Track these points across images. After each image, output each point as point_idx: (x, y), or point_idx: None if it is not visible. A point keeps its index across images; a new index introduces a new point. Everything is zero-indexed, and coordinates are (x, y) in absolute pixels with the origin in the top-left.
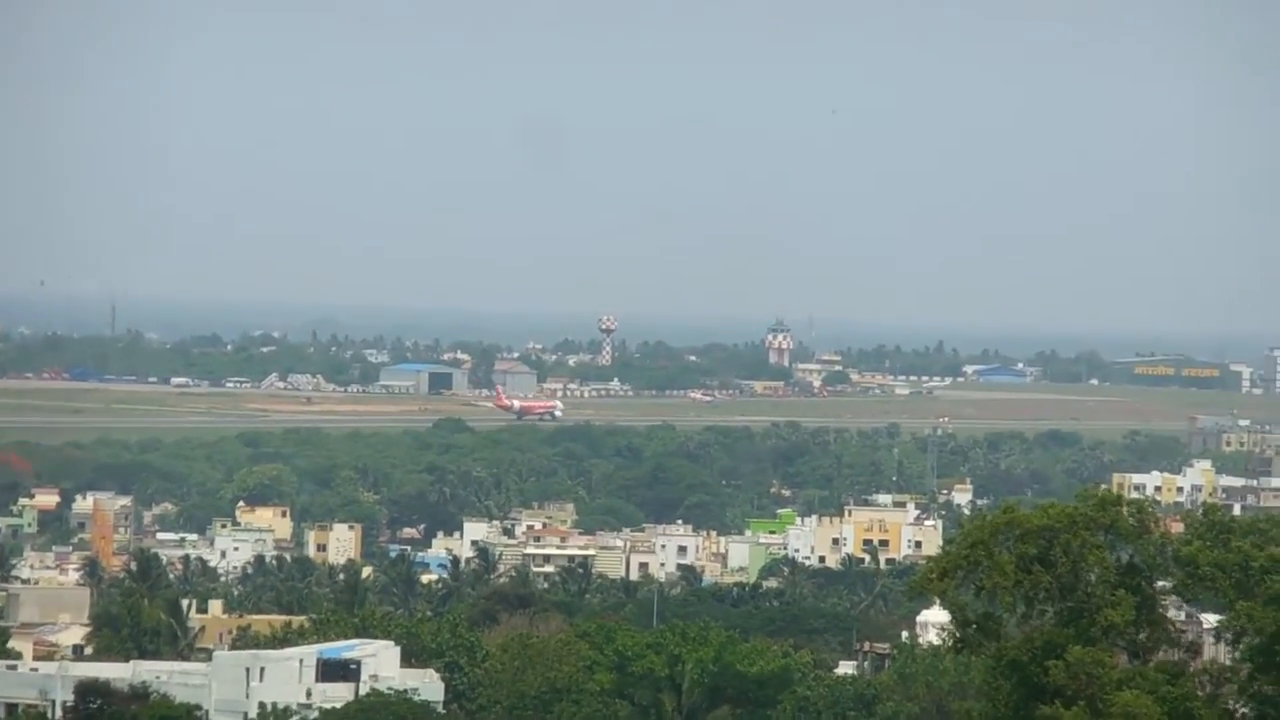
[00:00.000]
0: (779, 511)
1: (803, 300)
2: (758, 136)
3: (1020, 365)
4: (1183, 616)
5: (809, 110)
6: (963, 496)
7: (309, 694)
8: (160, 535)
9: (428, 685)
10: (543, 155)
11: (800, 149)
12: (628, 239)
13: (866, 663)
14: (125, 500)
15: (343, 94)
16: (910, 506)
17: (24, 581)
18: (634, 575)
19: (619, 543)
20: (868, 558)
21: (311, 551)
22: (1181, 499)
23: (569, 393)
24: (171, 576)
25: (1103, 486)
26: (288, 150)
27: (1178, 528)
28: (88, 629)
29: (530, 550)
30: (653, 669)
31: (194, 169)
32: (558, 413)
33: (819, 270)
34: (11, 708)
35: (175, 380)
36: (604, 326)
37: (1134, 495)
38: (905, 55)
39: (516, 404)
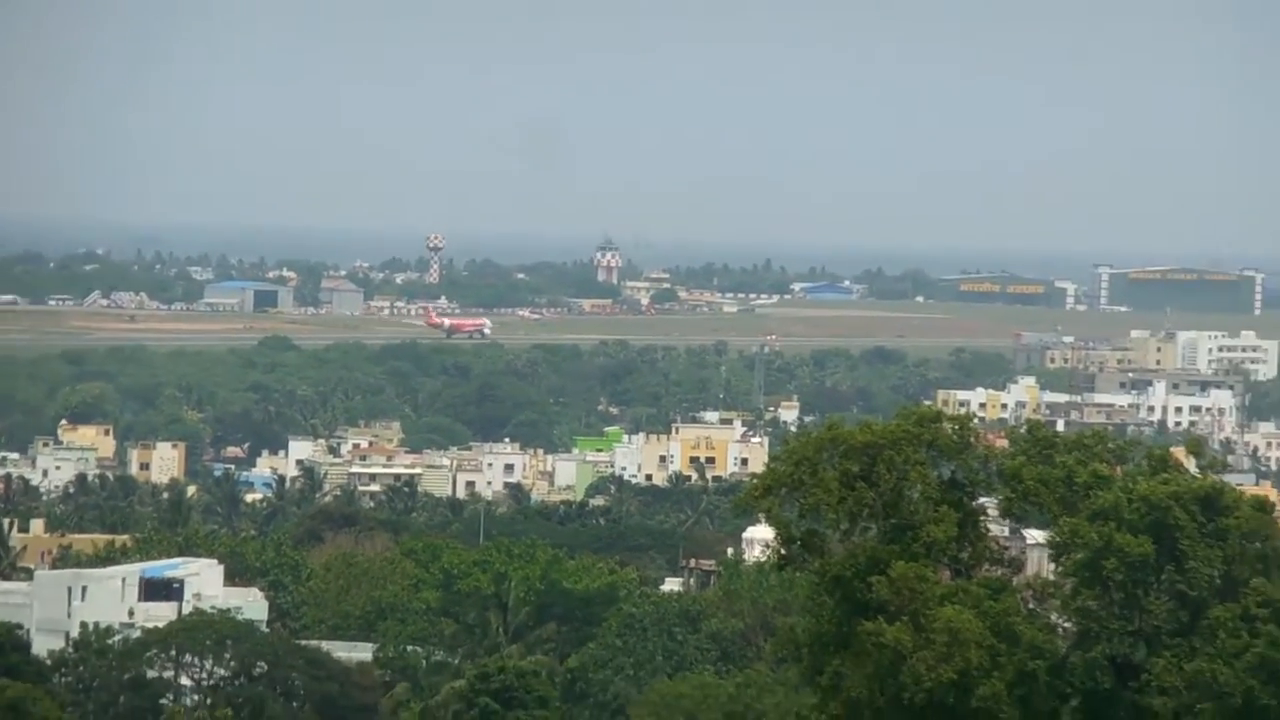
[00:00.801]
0: (606, 429)
1: (631, 218)
2: (593, 50)
3: (847, 283)
4: (1005, 533)
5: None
6: (789, 414)
7: (131, 613)
8: None
9: (251, 604)
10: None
11: (614, 65)
12: (455, 155)
13: (692, 579)
14: None
15: None
16: (737, 424)
17: None
18: (460, 494)
19: (445, 461)
20: (694, 475)
21: (135, 470)
22: (1006, 415)
23: (396, 310)
24: None
25: (926, 403)
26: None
27: (1002, 444)
28: None
29: (356, 469)
30: (479, 587)
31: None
32: (486, 330)
33: (647, 188)
34: None
35: None
36: (432, 245)
37: (959, 412)
38: None
39: (447, 322)
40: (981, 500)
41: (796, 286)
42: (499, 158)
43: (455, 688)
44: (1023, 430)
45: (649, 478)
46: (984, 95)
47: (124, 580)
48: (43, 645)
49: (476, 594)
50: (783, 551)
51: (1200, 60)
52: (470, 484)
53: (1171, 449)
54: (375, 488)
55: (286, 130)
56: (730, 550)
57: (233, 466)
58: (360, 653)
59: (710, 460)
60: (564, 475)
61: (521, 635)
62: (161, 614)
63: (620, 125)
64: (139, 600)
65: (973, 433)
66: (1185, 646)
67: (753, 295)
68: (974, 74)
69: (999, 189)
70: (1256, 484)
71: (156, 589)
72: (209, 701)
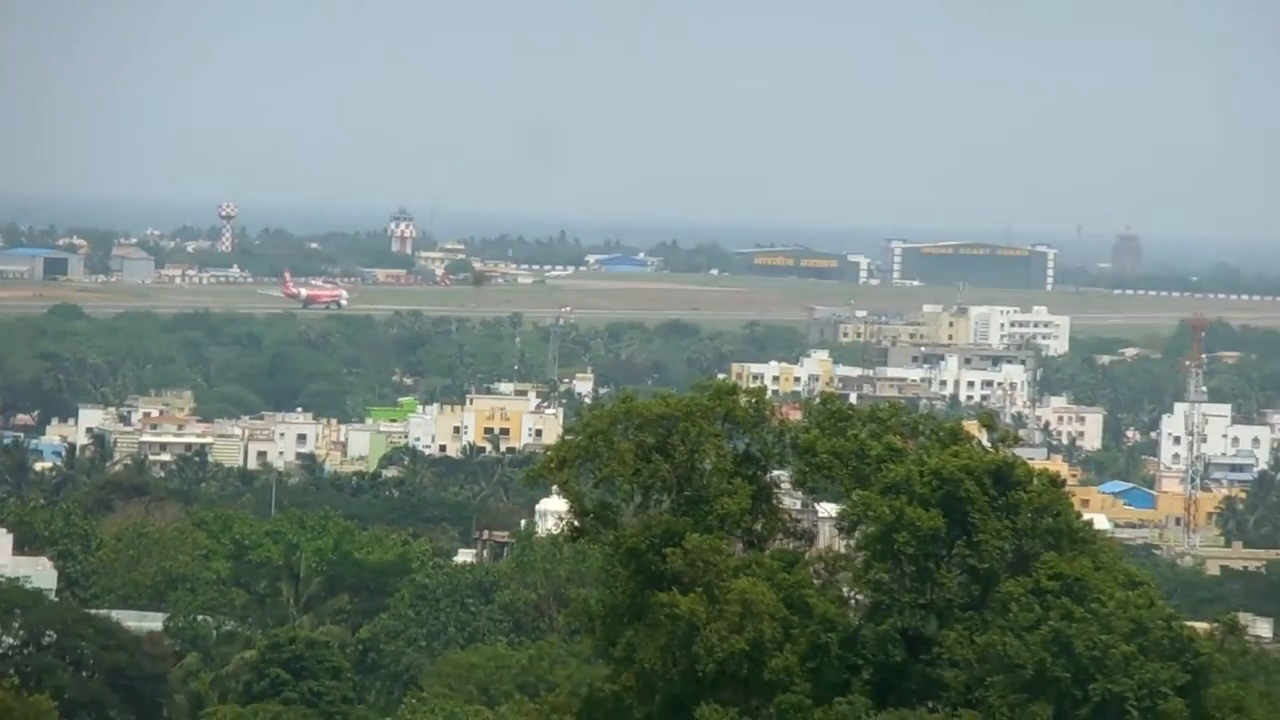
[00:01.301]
0: (400, 400)
1: (427, 188)
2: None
3: (642, 255)
4: (799, 506)
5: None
6: (584, 386)
7: None
8: None
9: (40, 573)
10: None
11: (400, 50)
12: (249, 125)
13: (485, 551)
14: None
15: None
16: (531, 395)
17: None
18: (253, 464)
19: (237, 431)
20: (489, 447)
21: None
22: (799, 389)
23: (188, 279)
24: None
25: (721, 376)
26: None
27: (797, 417)
28: None
29: (147, 438)
30: (270, 557)
31: None
32: (343, 301)
33: (441, 158)
34: None
35: None
36: (224, 214)
37: (753, 385)
38: None
39: (303, 292)
40: (776, 473)
41: (591, 258)
42: (292, 125)
43: (246, 658)
44: (817, 402)
45: (443, 449)
46: (780, 70)
47: None
48: None
49: (268, 564)
50: (576, 523)
51: (985, 33)
52: (262, 454)
53: (964, 422)
54: (166, 457)
55: (72, 97)
56: (524, 522)
57: (22, 435)
58: (150, 622)
59: (504, 432)
60: (357, 446)
61: (313, 606)
62: None
63: (414, 94)
64: None
65: (768, 406)
66: (977, 619)
67: (548, 266)
68: (771, 48)
69: (796, 163)
70: (1048, 458)
71: None
72: None
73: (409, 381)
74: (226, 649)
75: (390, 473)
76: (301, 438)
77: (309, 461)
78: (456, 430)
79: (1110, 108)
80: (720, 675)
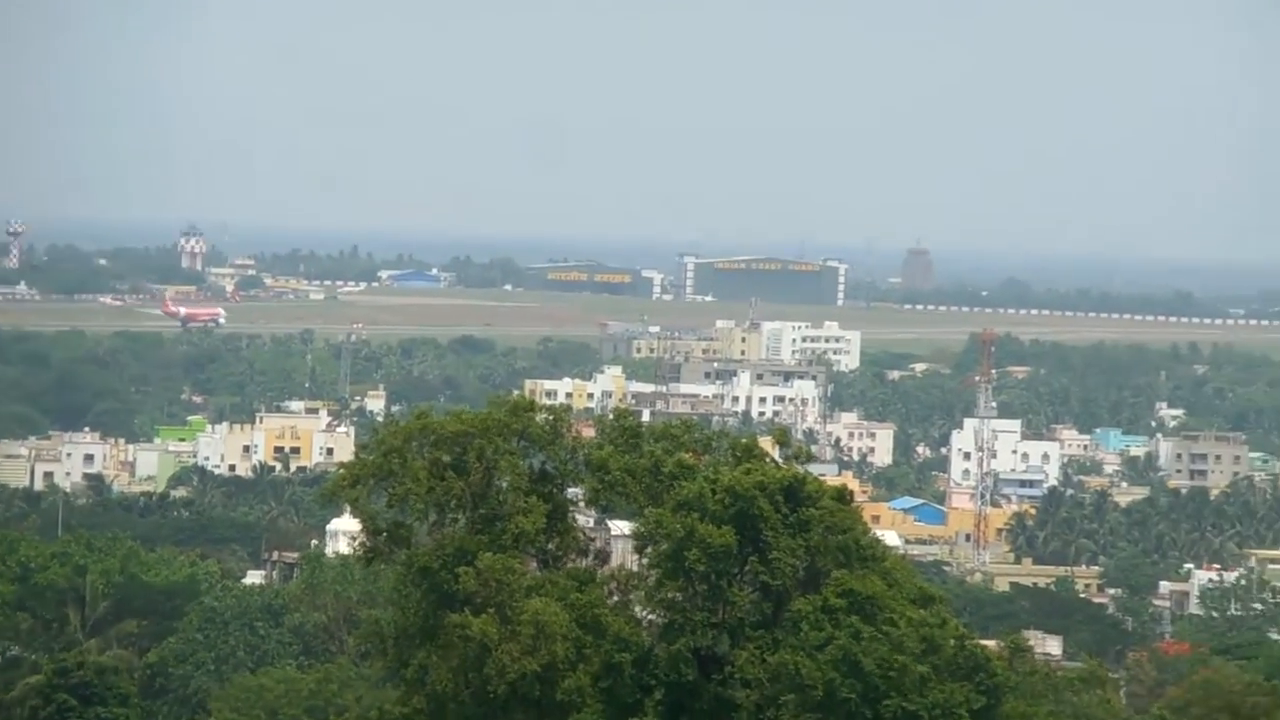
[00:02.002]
0: (189, 419)
1: (217, 204)
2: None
3: (435, 271)
4: (591, 524)
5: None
6: (376, 403)
7: None
8: None
9: None
10: None
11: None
12: (34, 140)
13: (275, 572)
14: None
15: None
16: (323, 414)
17: None
18: (39, 485)
19: (23, 451)
20: (279, 465)
21: None
22: (593, 405)
23: None
24: None
25: (516, 393)
26: None
27: (590, 434)
28: None
29: None
30: (56, 581)
31: None
32: (221, 320)
33: (233, 174)
34: None
35: None
36: (12, 230)
37: (546, 401)
38: None
39: (183, 311)
40: (572, 491)
41: (384, 274)
42: (81, 138)
43: (32, 684)
44: (610, 419)
45: (232, 468)
46: (571, 84)
47: None
48: None
49: (54, 588)
50: (369, 544)
51: (771, 42)
52: (49, 474)
53: (759, 439)
54: None
55: None
56: (315, 542)
57: None
58: None
59: (295, 450)
60: (145, 465)
61: (101, 630)
62: None
63: (202, 105)
64: None
65: (565, 423)
66: (768, 639)
67: (339, 282)
68: (561, 59)
69: (589, 178)
70: (839, 474)
71: None
72: None
73: (198, 400)
74: (11, 675)
75: (179, 493)
76: (89, 458)
77: (97, 482)
78: (246, 449)
79: (897, 121)
80: (512, 696)
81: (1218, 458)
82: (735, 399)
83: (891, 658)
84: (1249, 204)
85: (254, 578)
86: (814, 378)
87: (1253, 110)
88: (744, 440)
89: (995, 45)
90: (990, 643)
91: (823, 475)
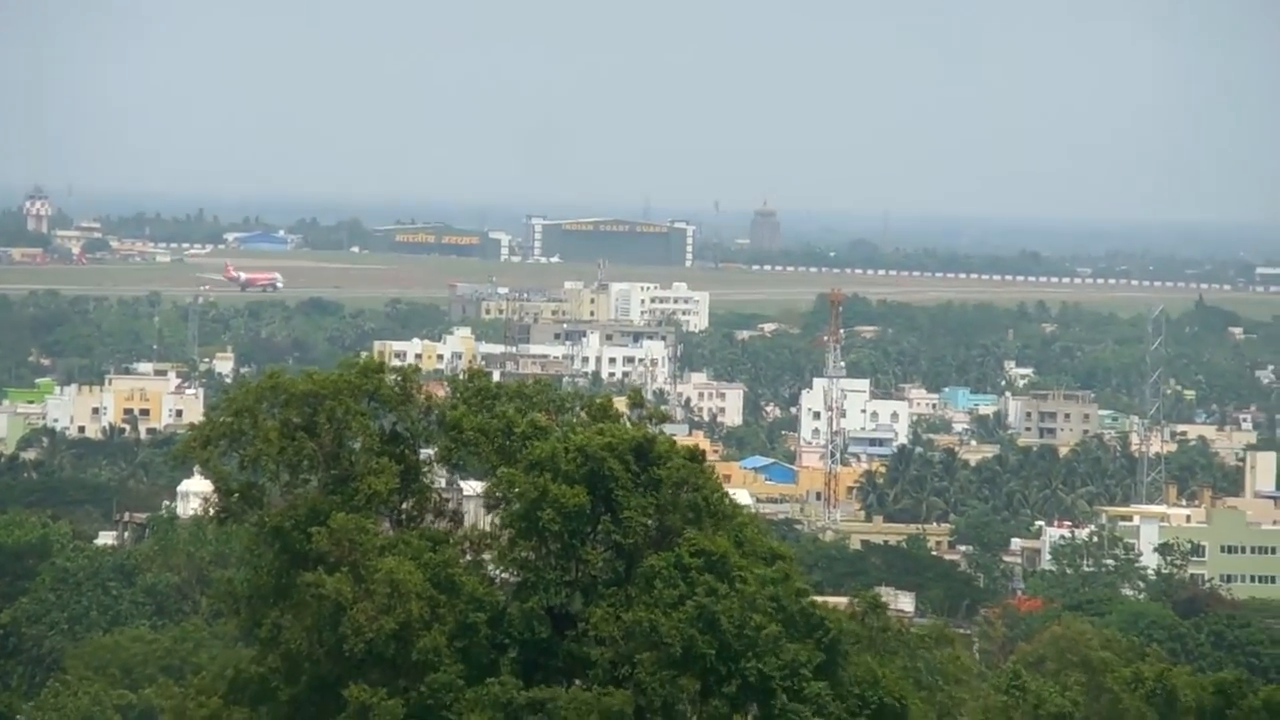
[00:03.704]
0: (38, 381)
1: (61, 167)
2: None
3: (282, 232)
4: (443, 484)
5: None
6: (225, 365)
7: None
8: None
9: None
10: None
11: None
12: None
13: (127, 533)
14: None
15: None
16: (172, 375)
17: None
18: None
19: None
20: (129, 428)
21: None
22: (442, 367)
23: None
24: None
25: (365, 354)
26: None
27: (443, 394)
28: None
29: None
30: None
31: None
32: (279, 284)
33: (81, 136)
34: None
35: None
36: None
37: (396, 363)
38: None
39: (243, 276)
40: (425, 452)
41: (230, 236)
42: None
43: None
44: (463, 380)
45: (82, 430)
46: (421, 48)
47: None
48: None
49: None
50: (221, 504)
51: (640, 13)
52: None
53: (614, 399)
54: None
55: None
56: (166, 503)
57: None
58: None
59: (145, 412)
60: None
61: None
62: None
63: (44, 73)
64: None
65: (415, 384)
66: (622, 596)
67: (186, 245)
68: (423, 30)
69: (436, 139)
70: (690, 434)
71: None
72: None
73: (46, 362)
74: None
75: (29, 455)
76: None
77: None
78: (96, 411)
79: (747, 81)
80: (368, 656)
81: (1067, 416)
82: (585, 360)
83: (746, 616)
84: (1096, 164)
85: (106, 539)
86: (663, 338)
87: (1100, 72)
88: (599, 400)
89: (839, 7)
90: (843, 599)
91: (674, 435)
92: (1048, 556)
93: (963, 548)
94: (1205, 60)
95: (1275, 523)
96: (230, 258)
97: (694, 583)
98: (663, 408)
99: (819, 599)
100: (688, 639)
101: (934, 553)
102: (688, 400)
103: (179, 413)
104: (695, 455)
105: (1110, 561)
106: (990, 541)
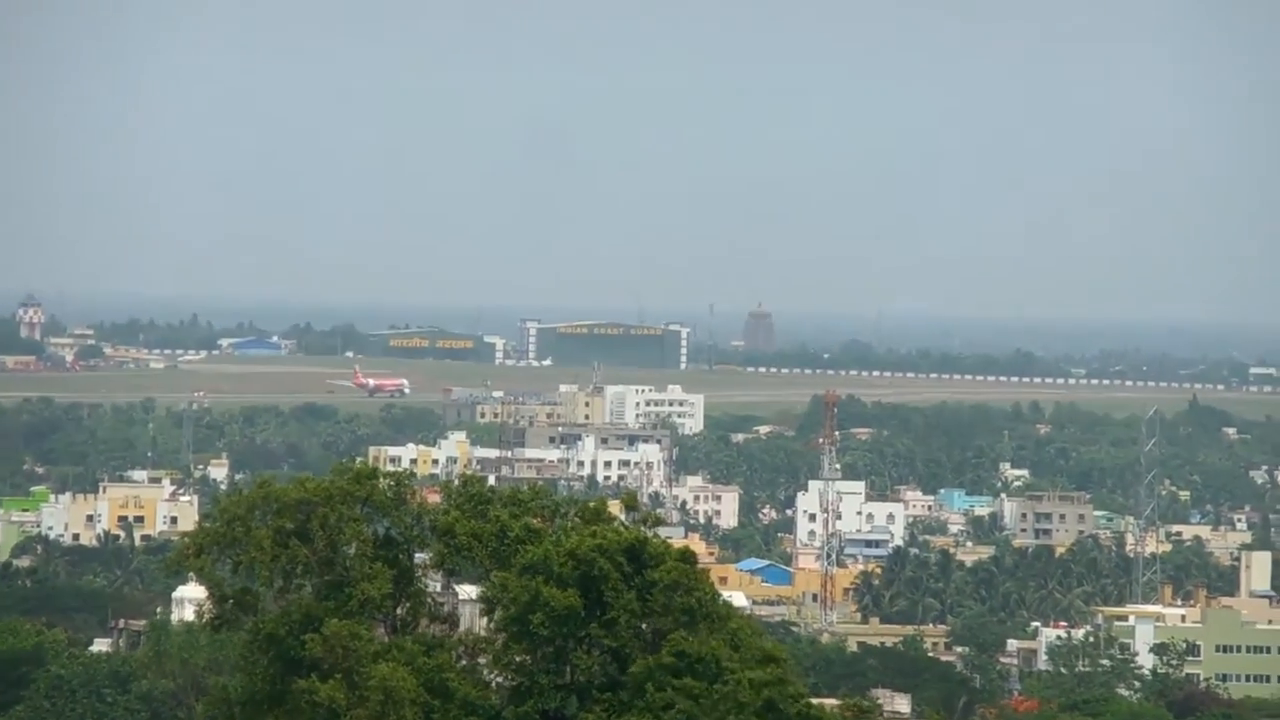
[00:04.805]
0: (32, 489)
1: (53, 273)
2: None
3: (275, 338)
4: (439, 588)
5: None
6: (219, 471)
7: None
8: None
9: None
10: None
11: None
12: None
13: (122, 640)
14: None
15: None
16: (166, 482)
17: None
18: None
19: None
20: (123, 534)
21: None
22: (437, 471)
23: None
24: None
25: (359, 460)
26: None
27: (437, 499)
28: None
29: None
30: None
31: None
32: (406, 390)
33: (70, 244)
34: None
35: None
36: None
37: (391, 468)
38: None
39: (372, 383)
40: (419, 556)
41: (224, 342)
42: None
43: None
44: (457, 485)
45: (76, 537)
46: (395, 142)
47: None
48: None
49: None
50: (215, 611)
51: (614, 121)
52: None
53: (608, 502)
54: None
55: None
56: (160, 610)
57: None
58: None
59: (139, 519)
60: None
61: None
62: None
63: (56, 177)
64: None
65: (409, 489)
66: (615, 700)
67: (180, 351)
68: (393, 125)
69: (429, 245)
70: (685, 536)
71: None
72: None
73: (40, 470)
74: None
75: (23, 562)
76: None
77: None
78: (90, 518)
79: (741, 184)
80: None
81: (1062, 517)
82: (580, 463)
83: (730, 718)
84: (1087, 266)
85: (101, 646)
86: (658, 441)
87: (1083, 174)
88: (592, 504)
89: (832, 112)
90: (837, 701)
91: (669, 538)
92: (1044, 657)
93: (959, 649)
94: (1194, 157)
95: (1270, 622)
96: (223, 363)
97: (680, 688)
98: (658, 511)
99: (816, 701)
100: None
101: (930, 654)
102: (683, 503)
103: (173, 519)
104: (688, 557)
105: (1106, 661)
106: (986, 642)
